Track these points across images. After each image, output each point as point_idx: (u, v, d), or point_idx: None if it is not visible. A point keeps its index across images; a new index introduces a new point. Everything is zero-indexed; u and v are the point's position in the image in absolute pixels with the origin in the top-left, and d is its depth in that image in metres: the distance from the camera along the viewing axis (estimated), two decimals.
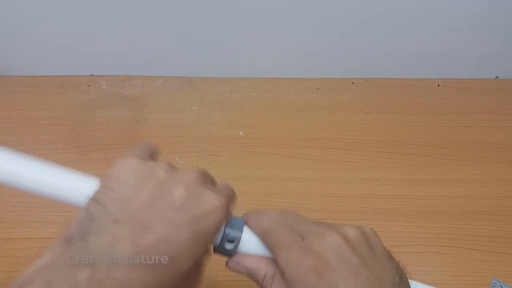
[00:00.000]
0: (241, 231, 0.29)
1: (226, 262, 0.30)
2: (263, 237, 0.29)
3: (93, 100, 0.67)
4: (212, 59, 0.69)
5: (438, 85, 0.71)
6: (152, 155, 0.30)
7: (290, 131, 0.64)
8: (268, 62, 0.70)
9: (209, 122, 0.65)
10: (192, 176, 0.27)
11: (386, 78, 0.72)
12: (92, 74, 0.71)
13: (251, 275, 0.29)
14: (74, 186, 0.27)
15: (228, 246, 0.29)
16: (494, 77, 0.73)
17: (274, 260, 0.29)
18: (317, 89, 0.70)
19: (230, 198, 0.29)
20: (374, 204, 0.56)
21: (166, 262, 0.23)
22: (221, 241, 0.28)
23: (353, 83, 0.71)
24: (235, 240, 0.29)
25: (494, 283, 0.50)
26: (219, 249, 0.29)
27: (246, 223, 0.30)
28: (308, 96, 0.69)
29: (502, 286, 0.50)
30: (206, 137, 0.63)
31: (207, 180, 0.29)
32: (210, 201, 0.26)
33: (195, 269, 0.27)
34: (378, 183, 0.58)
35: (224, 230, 0.28)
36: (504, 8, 0.62)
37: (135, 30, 0.64)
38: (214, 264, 0.50)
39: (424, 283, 0.31)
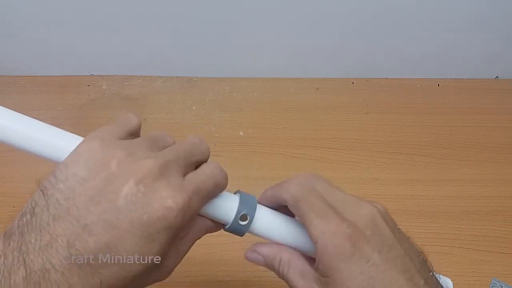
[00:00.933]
0: (255, 208, 0.28)
1: (246, 254, 0.29)
2: (294, 204, 0.28)
3: (93, 100, 0.67)
4: (212, 59, 0.69)
5: (438, 85, 0.71)
6: (129, 132, 0.26)
7: (290, 131, 0.64)
8: (268, 62, 0.70)
9: (209, 122, 0.65)
10: (151, 167, 0.23)
11: (386, 78, 0.72)
12: (92, 74, 0.71)
13: (268, 263, 0.28)
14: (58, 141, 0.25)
15: (241, 223, 0.28)
16: (494, 77, 0.73)
17: (288, 248, 0.28)
18: (317, 89, 0.70)
19: (199, 192, 0.24)
20: None
21: (108, 268, 0.21)
22: (233, 219, 0.28)
23: (353, 83, 0.71)
24: (248, 219, 0.28)
25: (494, 283, 0.50)
26: (231, 228, 0.28)
27: (268, 196, 0.29)
28: (308, 96, 0.69)
29: (502, 286, 0.50)
30: (206, 137, 0.62)
31: (179, 166, 0.24)
32: (163, 202, 0.22)
33: (161, 262, 0.24)
34: (378, 183, 0.58)
35: (238, 208, 0.28)
36: (504, 8, 0.62)
37: (135, 30, 0.64)
38: (214, 264, 0.50)
39: None
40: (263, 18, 0.63)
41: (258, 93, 0.69)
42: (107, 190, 0.22)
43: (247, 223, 0.28)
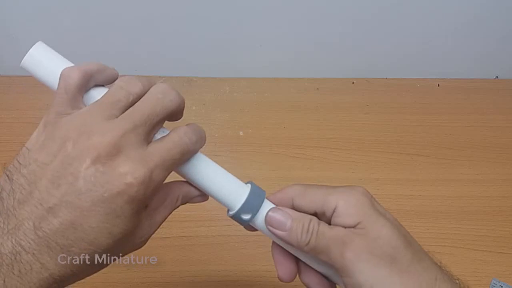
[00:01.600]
0: (263, 200, 0.29)
1: (269, 214, 0.28)
2: (302, 191, 0.29)
3: None
4: (212, 59, 0.69)
5: (438, 85, 0.71)
6: (76, 92, 0.26)
7: (290, 131, 0.64)
8: (268, 62, 0.70)
9: (209, 122, 0.65)
10: (106, 142, 0.22)
11: (386, 78, 0.72)
12: None
13: (294, 225, 0.27)
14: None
15: (248, 213, 0.28)
16: (494, 77, 0.73)
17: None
18: (317, 89, 0.70)
19: (163, 163, 0.24)
20: None
21: (77, 245, 0.22)
22: (240, 207, 0.28)
23: (353, 83, 0.71)
24: (255, 209, 0.28)
25: (494, 283, 0.50)
26: (236, 216, 0.28)
27: (275, 199, 0.30)
28: (308, 96, 0.69)
29: (502, 286, 0.50)
30: (206, 137, 0.62)
31: (138, 135, 0.24)
32: (122, 178, 0.22)
33: (133, 233, 0.24)
34: (378, 183, 0.58)
35: (247, 197, 0.28)
36: (504, 8, 0.62)
37: (135, 30, 0.64)
38: (214, 264, 0.50)
39: None
40: (263, 18, 0.63)
41: (258, 93, 0.69)
42: (66, 173, 0.22)
43: (254, 213, 0.28)
